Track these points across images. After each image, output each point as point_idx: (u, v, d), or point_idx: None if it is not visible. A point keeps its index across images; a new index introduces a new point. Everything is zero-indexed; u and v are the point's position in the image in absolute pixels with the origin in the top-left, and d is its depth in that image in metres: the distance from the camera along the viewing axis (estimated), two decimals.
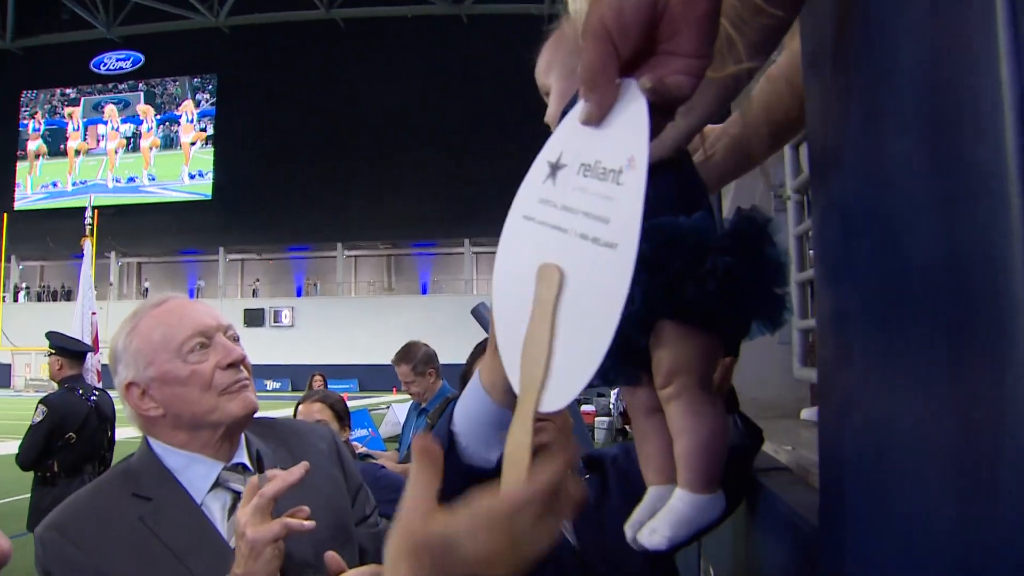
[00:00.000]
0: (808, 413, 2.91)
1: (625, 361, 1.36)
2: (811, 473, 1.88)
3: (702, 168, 1.55)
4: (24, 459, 7.16)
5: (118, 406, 8.09)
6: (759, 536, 1.88)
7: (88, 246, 10.53)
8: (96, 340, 9.79)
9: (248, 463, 2.20)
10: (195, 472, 2.11)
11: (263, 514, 1.81)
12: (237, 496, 2.10)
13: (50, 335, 7.61)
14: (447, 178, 54.97)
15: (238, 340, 2.20)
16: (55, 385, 7.66)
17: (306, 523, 1.88)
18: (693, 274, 1.28)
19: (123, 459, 2.24)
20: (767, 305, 1.36)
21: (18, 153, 62.60)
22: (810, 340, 3.04)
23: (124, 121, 61.81)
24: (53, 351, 7.54)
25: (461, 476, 1.40)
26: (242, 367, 2.15)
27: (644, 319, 1.30)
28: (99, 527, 1.98)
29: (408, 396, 6.59)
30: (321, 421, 4.23)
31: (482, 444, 1.37)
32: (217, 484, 2.12)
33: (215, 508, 2.10)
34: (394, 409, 8.97)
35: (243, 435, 2.24)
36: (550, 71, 1.44)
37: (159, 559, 1.95)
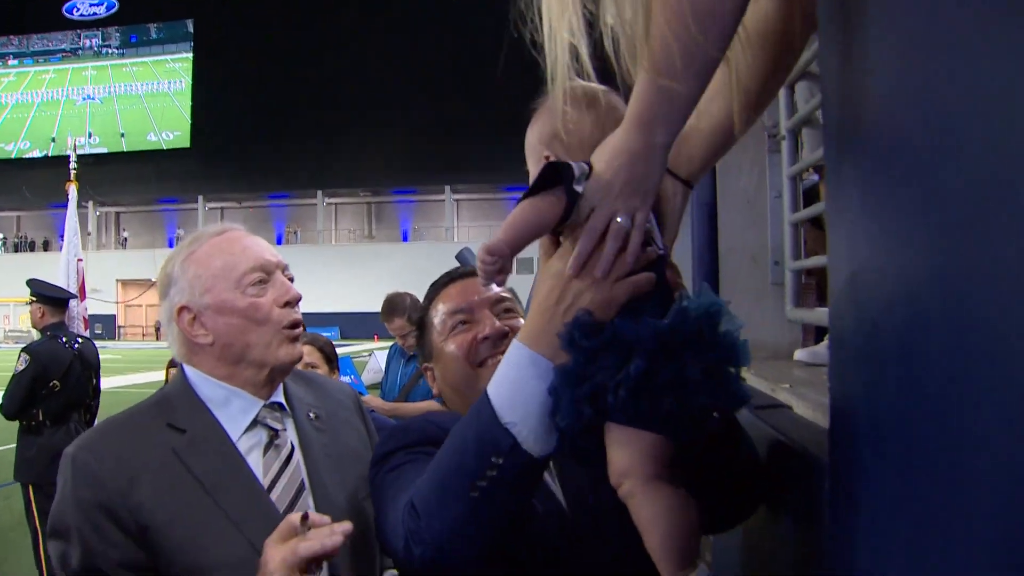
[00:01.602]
0: (802, 354, 2.90)
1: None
2: (810, 409, 1.87)
3: (691, 140, 1.55)
4: (8, 408, 7.09)
5: (125, 346, 8.13)
6: (769, 469, 1.86)
7: (73, 191, 10.38)
8: (82, 287, 9.65)
9: (283, 403, 2.18)
10: (234, 407, 2.08)
11: (292, 570, 1.71)
12: (274, 433, 2.10)
13: (31, 283, 7.51)
14: (429, 125, 54.64)
15: (293, 281, 2.18)
16: (35, 335, 7.57)
17: None
18: (610, 383, 1.31)
19: (160, 388, 2.20)
20: (711, 395, 1.35)
21: None
22: (802, 281, 3.03)
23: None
24: (34, 299, 7.45)
25: (529, 472, 1.41)
26: (298, 308, 2.14)
27: (584, 426, 1.35)
28: (130, 453, 1.94)
29: (384, 344, 6.53)
30: (310, 363, 4.21)
31: (542, 428, 1.39)
32: (255, 422, 2.09)
33: (250, 445, 2.07)
34: (376, 356, 8.93)
35: None
36: (540, 147, 1.54)
37: (189, 493, 1.91)
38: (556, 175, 1.34)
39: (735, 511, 1.76)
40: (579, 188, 1.33)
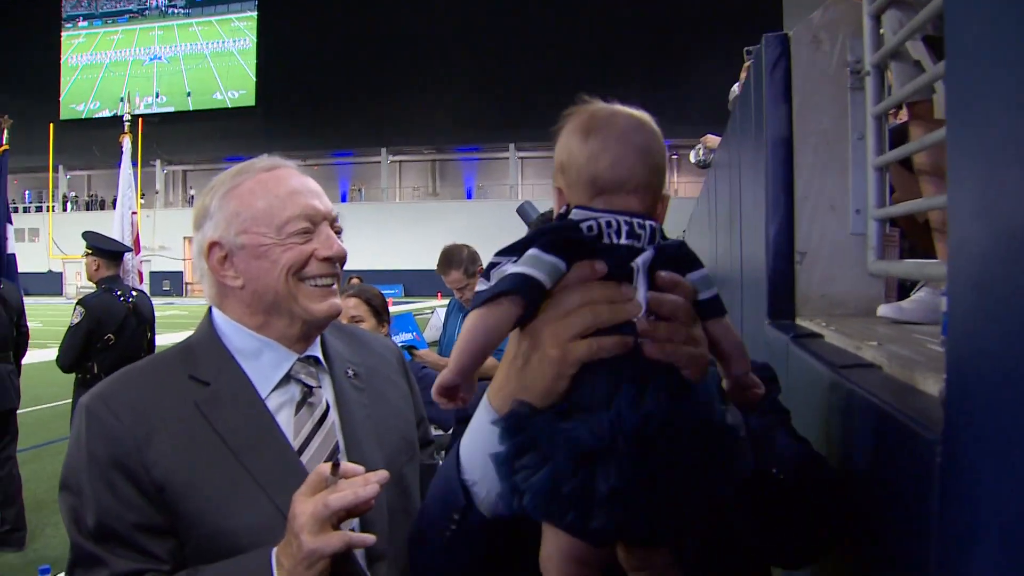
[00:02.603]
0: (886, 310, 2.68)
1: None
2: (906, 370, 1.65)
3: None
4: (64, 360, 7.14)
5: (159, 309, 8.13)
6: (855, 439, 1.65)
7: (127, 143, 10.32)
8: (137, 240, 9.64)
9: (320, 357, 2.03)
10: (265, 360, 1.95)
11: (323, 524, 1.60)
12: (308, 390, 1.96)
13: (87, 235, 7.51)
14: (492, 82, 54.65)
15: (341, 233, 2.01)
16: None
17: (368, 537, 1.67)
18: (521, 484, 1.22)
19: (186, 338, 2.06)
20: (632, 513, 1.18)
21: (61, 63, 62.84)
22: (886, 231, 2.79)
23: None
24: (90, 251, 7.46)
25: (485, 531, 1.39)
26: (338, 264, 1.96)
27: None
28: (148, 406, 1.82)
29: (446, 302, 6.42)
30: (356, 317, 4.05)
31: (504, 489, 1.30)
32: (287, 377, 1.96)
33: (281, 401, 1.94)
34: (438, 313, 8.89)
35: None
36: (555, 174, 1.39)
37: (212, 452, 1.80)
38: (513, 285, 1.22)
39: (799, 553, 1.61)
40: (541, 278, 1.22)
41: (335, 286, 1.97)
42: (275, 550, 1.68)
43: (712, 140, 8.63)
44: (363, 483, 1.62)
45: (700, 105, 44.01)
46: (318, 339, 2.05)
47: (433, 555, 1.51)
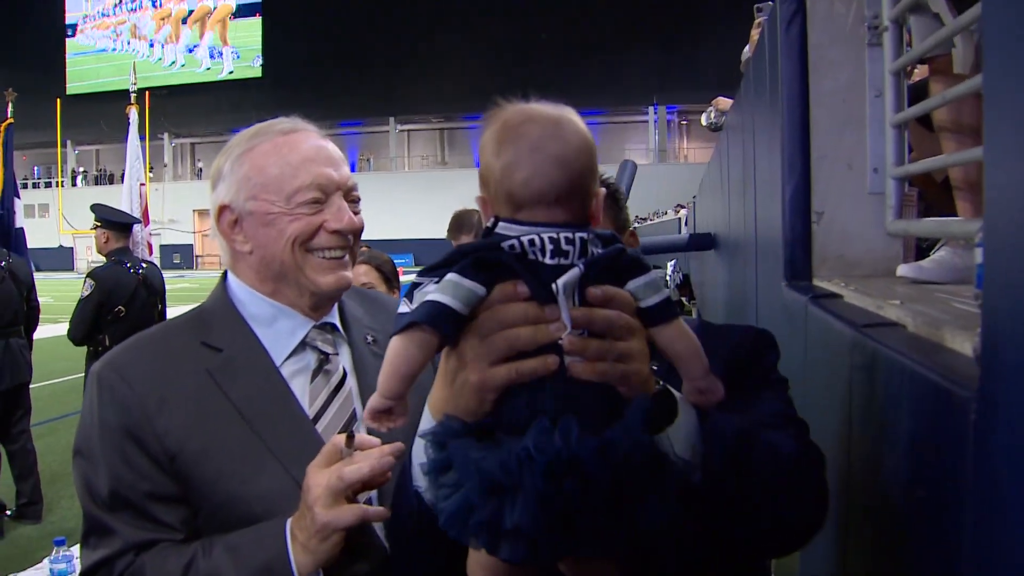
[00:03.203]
0: (906, 269, 2.64)
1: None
2: (933, 328, 1.62)
3: None
4: (75, 333, 7.16)
5: (169, 282, 8.13)
6: (881, 398, 1.62)
7: (134, 115, 10.24)
8: (145, 212, 9.59)
9: (338, 324, 2.00)
10: (281, 327, 1.92)
11: (337, 497, 1.59)
12: (325, 357, 1.93)
13: (95, 207, 7.50)
14: (501, 48, 54.38)
15: (358, 203, 1.95)
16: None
17: (382, 510, 1.65)
18: (436, 502, 1.23)
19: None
20: (551, 542, 1.14)
21: (67, 38, 62.82)
22: (905, 190, 2.75)
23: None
24: (99, 223, 7.44)
25: (439, 542, 1.30)
26: (350, 236, 1.90)
27: None
28: (160, 374, 1.80)
29: None
30: (367, 284, 4.02)
31: None
32: (303, 344, 1.93)
33: (296, 369, 1.91)
34: None
35: None
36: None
37: (224, 420, 1.77)
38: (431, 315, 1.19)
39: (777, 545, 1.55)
40: (456, 307, 1.18)
41: (346, 258, 1.92)
42: (290, 521, 1.67)
43: (724, 103, 8.56)
44: (379, 455, 1.60)
45: (711, 69, 43.73)
46: (336, 305, 2.02)
47: (406, 547, 1.53)
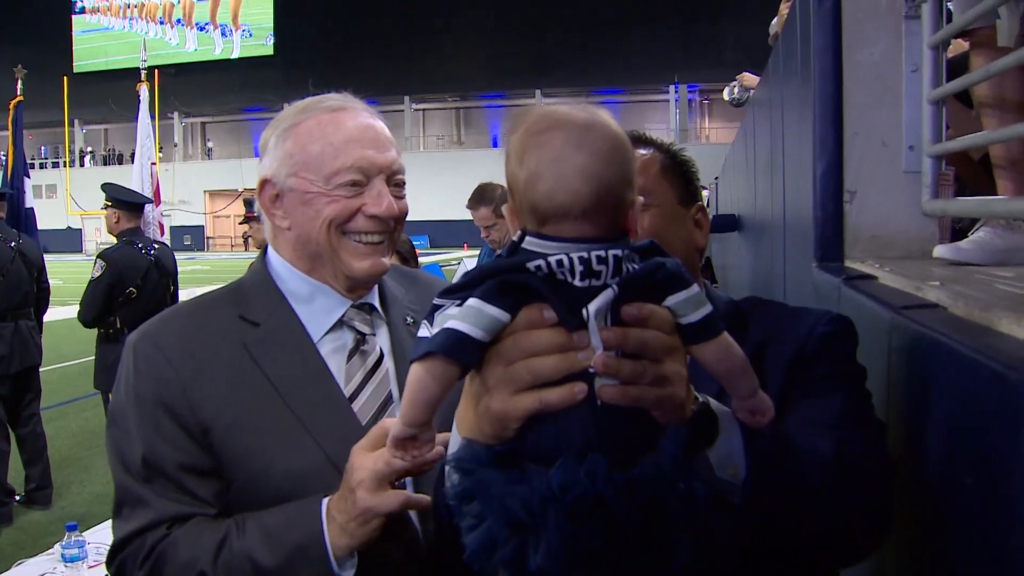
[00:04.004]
0: (944, 250, 2.61)
1: None
2: (977, 310, 1.60)
3: None
4: (86, 315, 7.18)
5: (180, 264, 8.15)
6: (924, 382, 1.60)
7: (144, 92, 10.26)
8: (157, 191, 9.63)
9: (377, 304, 2.02)
10: (319, 305, 1.95)
11: (383, 482, 1.60)
12: (361, 337, 1.96)
13: (106, 187, 7.52)
14: (517, 24, 54.22)
15: (402, 187, 1.96)
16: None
17: (424, 498, 1.66)
18: (464, 534, 1.20)
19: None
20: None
21: (73, 14, 62.92)
22: (942, 169, 2.72)
23: None
24: (109, 203, 7.46)
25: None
26: (391, 222, 1.91)
27: None
28: (196, 346, 1.84)
29: (475, 252, 6.38)
30: None
31: None
32: (340, 323, 1.95)
33: (333, 348, 1.94)
34: (465, 264, 8.83)
35: None
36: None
37: (259, 395, 1.81)
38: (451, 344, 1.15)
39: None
40: (477, 335, 1.15)
41: (384, 244, 1.92)
42: (326, 501, 1.69)
43: (750, 78, 8.50)
44: (424, 452, 1.59)
45: (734, 45, 43.57)
46: (374, 287, 2.03)
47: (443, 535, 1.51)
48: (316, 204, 1.85)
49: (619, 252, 1.16)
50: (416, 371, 1.17)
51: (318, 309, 1.94)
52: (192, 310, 1.96)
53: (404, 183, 1.96)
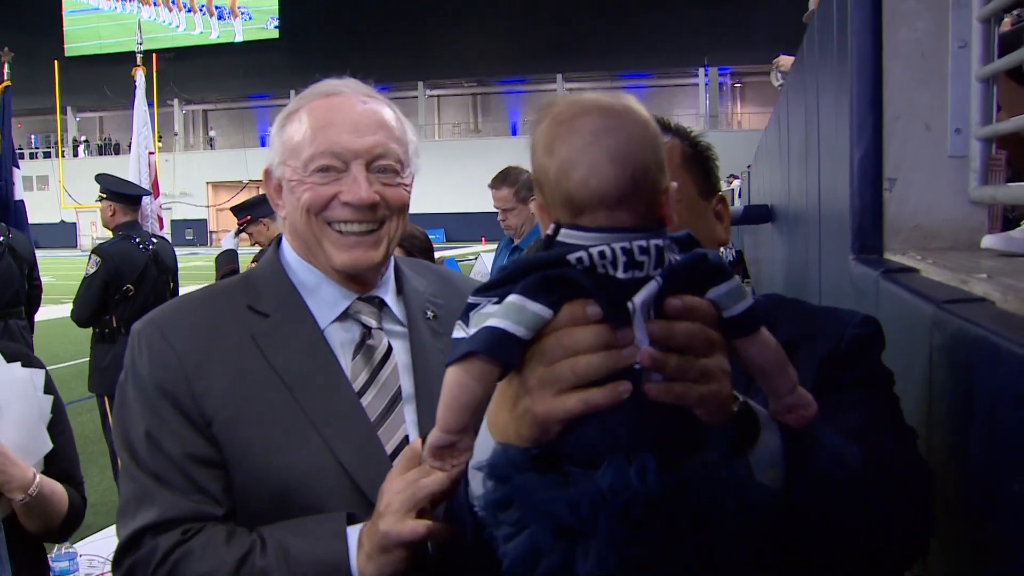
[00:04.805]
0: (993, 240, 2.57)
1: None
2: None
3: None
4: (80, 313, 7.19)
5: (181, 260, 8.16)
6: (971, 381, 1.59)
7: (140, 77, 10.26)
8: (155, 183, 9.63)
9: (392, 298, 2.06)
10: (324, 296, 2.00)
11: (412, 508, 1.61)
12: (368, 331, 2.00)
13: (100, 177, 7.53)
14: (538, 5, 54.09)
15: (393, 174, 1.97)
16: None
17: (447, 526, 1.62)
18: (500, 544, 1.22)
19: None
20: None
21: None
22: (992, 153, 2.68)
23: None
24: (104, 195, 7.47)
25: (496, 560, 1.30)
26: (380, 211, 1.94)
27: None
28: (202, 336, 1.90)
29: (492, 247, 6.40)
30: None
31: None
32: (347, 315, 2.00)
33: (339, 340, 1.98)
34: (482, 258, 8.84)
35: (391, 266, 2.12)
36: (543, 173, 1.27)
37: (265, 386, 1.86)
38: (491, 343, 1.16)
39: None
40: (520, 333, 1.15)
41: (373, 235, 1.95)
42: (356, 530, 1.72)
43: (785, 61, 8.48)
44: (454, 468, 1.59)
45: (767, 26, 43.42)
46: (389, 279, 2.08)
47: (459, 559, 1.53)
48: (297, 192, 1.93)
49: (660, 242, 1.17)
50: (455, 373, 1.17)
51: (324, 299, 1.99)
52: (200, 299, 2.02)
53: (394, 169, 1.97)
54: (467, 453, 1.26)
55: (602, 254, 1.14)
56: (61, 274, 25.24)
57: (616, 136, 1.19)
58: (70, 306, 7.28)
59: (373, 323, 2.00)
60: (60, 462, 2.77)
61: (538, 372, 1.15)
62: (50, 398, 2.80)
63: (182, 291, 7.55)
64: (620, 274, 1.14)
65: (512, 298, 1.14)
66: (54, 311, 14.57)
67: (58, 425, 2.83)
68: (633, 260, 1.14)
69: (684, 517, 1.10)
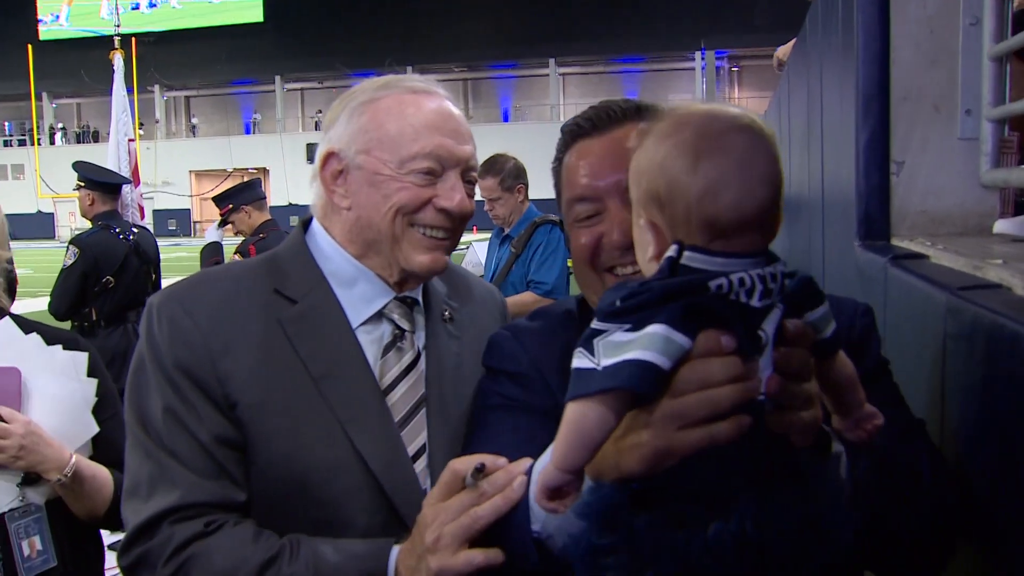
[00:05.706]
0: (1007, 225, 2.56)
1: None
2: None
3: None
4: (57, 307, 7.12)
5: (164, 251, 8.12)
6: (987, 370, 1.57)
7: (119, 61, 10.16)
8: (135, 171, 9.57)
9: (420, 299, 2.08)
10: (359, 291, 1.98)
11: (462, 543, 1.52)
12: (400, 332, 2.00)
13: (78, 165, 7.48)
14: None
15: (474, 184, 2.00)
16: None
17: (497, 554, 1.53)
18: None
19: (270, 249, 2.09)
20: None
21: None
22: (1004, 135, 2.67)
23: None
24: (82, 184, 7.42)
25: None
26: (459, 219, 1.95)
27: None
28: (227, 314, 1.86)
29: (484, 236, 6.42)
30: None
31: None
32: (379, 314, 1.99)
33: (369, 339, 1.97)
34: (474, 248, 8.81)
35: None
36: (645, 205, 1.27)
37: (291, 376, 1.84)
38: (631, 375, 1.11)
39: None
40: (665, 366, 1.11)
41: (448, 242, 1.96)
42: (396, 555, 1.65)
43: (783, 51, 8.48)
44: (506, 478, 1.51)
45: (766, 8, 43.42)
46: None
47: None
48: (385, 188, 1.88)
49: (783, 268, 1.16)
50: (591, 408, 1.13)
51: (358, 296, 1.97)
52: (221, 277, 2.00)
53: (476, 180, 1.99)
54: (576, 494, 1.20)
55: (741, 281, 1.12)
56: (39, 266, 25.18)
57: (766, 157, 1.18)
58: (47, 299, 7.20)
59: (406, 325, 2.00)
60: (106, 446, 2.75)
61: (663, 405, 1.12)
62: (94, 381, 2.77)
63: (164, 284, 7.54)
64: (755, 302, 1.12)
65: (657, 328, 1.10)
66: (31, 304, 14.49)
67: (107, 409, 2.80)
68: (767, 288, 1.13)
69: (819, 555, 1.13)
